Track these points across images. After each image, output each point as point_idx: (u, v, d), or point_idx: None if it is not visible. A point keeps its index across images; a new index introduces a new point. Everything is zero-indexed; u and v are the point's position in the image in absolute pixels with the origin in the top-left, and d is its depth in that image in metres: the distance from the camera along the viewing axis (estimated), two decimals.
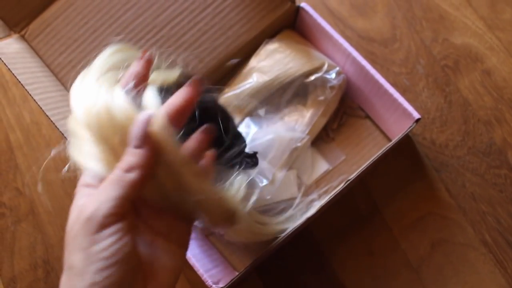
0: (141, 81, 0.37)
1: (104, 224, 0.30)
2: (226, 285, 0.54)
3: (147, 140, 0.32)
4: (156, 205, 0.36)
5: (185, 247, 0.37)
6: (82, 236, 0.30)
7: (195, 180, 0.34)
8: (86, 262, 0.30)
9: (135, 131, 0.32)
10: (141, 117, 0.32)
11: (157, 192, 0.35)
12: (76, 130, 0.36)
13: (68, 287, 0.31)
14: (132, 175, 0.31)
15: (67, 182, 0.71)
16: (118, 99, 0.34)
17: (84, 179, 0.35)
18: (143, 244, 0.34)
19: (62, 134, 0.55)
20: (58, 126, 0.55)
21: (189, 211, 0.37)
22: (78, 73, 0.60)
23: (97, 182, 0.34)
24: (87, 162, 0.34)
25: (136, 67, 0.38)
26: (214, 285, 0.55)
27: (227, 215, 0.39)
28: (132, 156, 0.32)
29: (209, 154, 0.38)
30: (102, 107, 0.34)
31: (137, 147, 0.32)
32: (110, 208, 0.30)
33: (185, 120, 0.36)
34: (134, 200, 0.32)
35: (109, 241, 0.30)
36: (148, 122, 0.32)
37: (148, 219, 0.36)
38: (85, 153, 0.34)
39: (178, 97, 0.35)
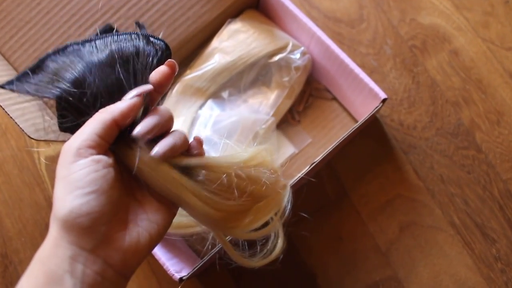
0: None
1: (79, 154, 0.33)
2: (188, 274, 0.53)
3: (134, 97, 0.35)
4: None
5: (172, 211, 0.38)
6: (61, 166, 0.33)
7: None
8: (66, 190, 0.32)
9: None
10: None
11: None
12: None
13: (52, 215, 0.33)
14: (103, 115, 0.34)
15: (25, 172, 0.68)
16: None
17: None
18: (131, 198, 0.37)
19: (13, 120, 0.53)
20: (8, 112, 0.53)
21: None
22: (30, 56, 0.59)
23: None
24: None
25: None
26: (176, 274, 0.53)
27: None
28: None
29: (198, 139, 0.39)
30: None
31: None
32: (83, 140, 0.33)
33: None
34: (108, 138, 0.34)
35: (85, 170, 0.32)
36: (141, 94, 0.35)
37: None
38: None
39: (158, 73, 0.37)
